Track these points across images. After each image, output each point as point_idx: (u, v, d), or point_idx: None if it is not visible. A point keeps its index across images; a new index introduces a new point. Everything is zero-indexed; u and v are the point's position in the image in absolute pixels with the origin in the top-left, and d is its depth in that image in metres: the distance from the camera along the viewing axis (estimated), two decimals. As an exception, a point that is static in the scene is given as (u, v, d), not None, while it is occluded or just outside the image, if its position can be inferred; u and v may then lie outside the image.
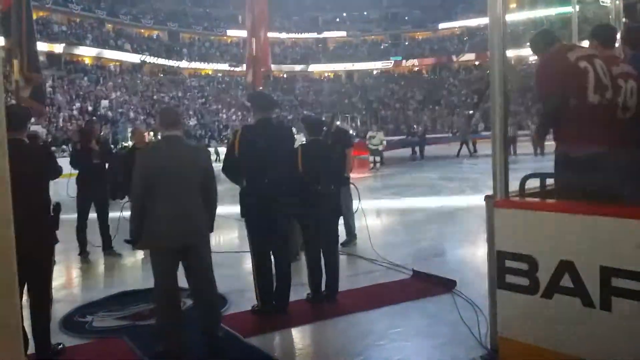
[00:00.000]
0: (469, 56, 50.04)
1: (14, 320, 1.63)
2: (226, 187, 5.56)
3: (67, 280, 6.17)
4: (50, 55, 37.92)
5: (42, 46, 34.87)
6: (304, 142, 4.97)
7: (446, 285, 4.85)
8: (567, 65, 3.03)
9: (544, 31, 3.55)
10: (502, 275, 3.00)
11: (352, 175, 6.87)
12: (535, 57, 3.48)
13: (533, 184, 3.40)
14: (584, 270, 2.65)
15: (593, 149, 2.96)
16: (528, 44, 3.60)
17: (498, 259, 3.02)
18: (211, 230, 3.83)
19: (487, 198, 3.22)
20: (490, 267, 3.17)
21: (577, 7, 5.08)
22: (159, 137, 4.05)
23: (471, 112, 38.04)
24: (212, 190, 3.80)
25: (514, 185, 3.26)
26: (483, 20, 43.95)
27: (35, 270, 3.61)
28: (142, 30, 48.49)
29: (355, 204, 6.77)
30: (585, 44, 3.56)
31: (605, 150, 2.96)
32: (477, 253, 6.08)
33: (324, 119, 7.88)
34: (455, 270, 5.22)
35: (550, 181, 3.36)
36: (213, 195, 3.81)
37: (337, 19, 56.89)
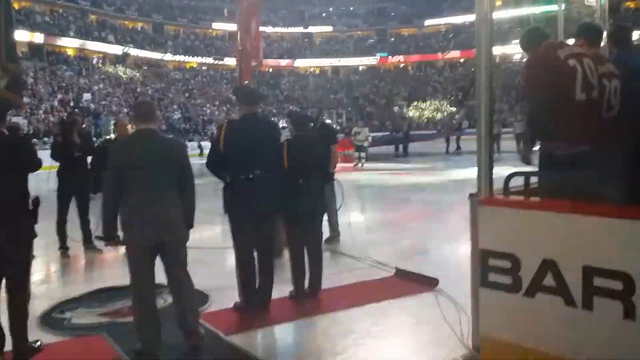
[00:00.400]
0: (454, 53, 50.25)
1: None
2: (208, 181, 5.50)
3: (46, 275, 6.07)
4: (32, 45, 37.32)
5: (23, 36, 34.38)
6: (289, 137, 4.93)
7: (429, 284, 4.85)
8: (557, 62, 3.05)
9: (533, 29, 3.55)
10: (485, 274, 2.99)
11: (336, 171, 6.84)
12: (522, 54, 3.49)
13: (517, 182, 3.40)
14: (566, 270, 2.65)
15: (578, 148, 2.97)
16: (517, 41, 3.59)
17: (481, 257, 3.01)
18: (190, 226, 3.75)
19: (471, 196, 3.21)
20: (473, 265, 3.17)
21: (563, 6, 5.08)
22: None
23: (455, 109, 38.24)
24: (188, 185, 3.71)
25: (497, 183, 3.25)
26: (469, 18, 44.21)
27: (13, 265, 3.54)
28: (126, 22, 47.94)
29: (339, 201, 6.75)
30: (571, 42, 3.56)
31: (589, 148, 2.97)
32: (461, 251, 6.10)
33: (309, 114, 7.84)
34: (439, 269, 5.23)
35: (534, 179, 3.36)
36: (190, 190, 3.71)
37: (324, 14, 56.78)
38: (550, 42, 3.34)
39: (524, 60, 3.47)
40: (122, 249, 6.69)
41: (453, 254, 6.28)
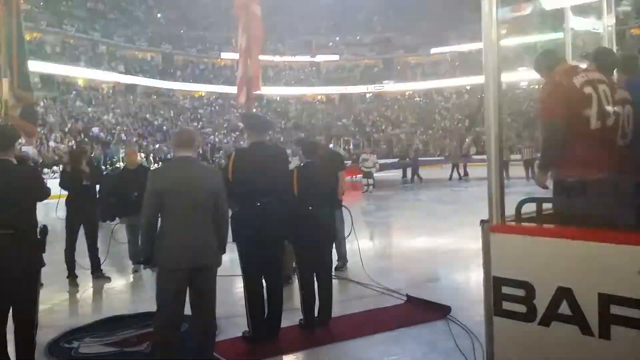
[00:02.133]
0: (461, 81, 50.54)
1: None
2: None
3: (53, 304, 6.03)
4: (43, 76, 37.91)
5: (36, 67, 34.90)
6: (299, 165, 4.94)
7: (441, 311, 4.78)
8: (573, 91, 3.04)
9: (548, 51, 3.54)
10: (498, 302, 2.94)
11: (344, 198, 6.82)
12: (529, 82, 3.48)
13: (529, 208, 3.36)
14: (582, 298, 2.60)
15: (593, 175, 2.95)
16: (524, 68, 3.60)
17: (494, 285, 2.96)
18: (223, 251, 3.77)
19: (482, 223, 3.18)
20: (486, 294, 3.11)
21: (570, 33, 5.10)
22: (163, 157, 4.02)
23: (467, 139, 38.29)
24: (223, 211, 3.76)
25: (509, 210, 3.22)
26: (475, 46, 44.60)
27: (21, 294, 3.53)
28: (136, 52, 48.69)
29: (347, 228, 6.71)
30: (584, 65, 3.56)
31: (605, 176, 2.94)
32: (472, 278, 6.02)
33: (317, 139, 7.86)
34: (450, 296, 5.16)
35: (546, 206, 3.32)
36: (224, 216, 3.78)
37: (331, 43, 57.43)
38: (565, 68, 3.32)
39: (537, 86, 3.46)
40: (130, 278, 6.76)
41: (465, 281, 6.21)
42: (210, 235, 3.64)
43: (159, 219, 3.58)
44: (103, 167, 15.56)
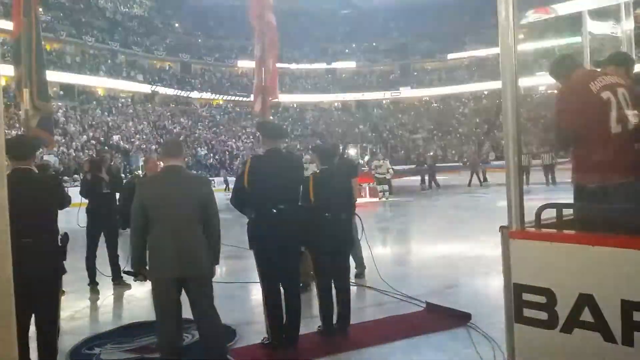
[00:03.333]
0: (478, 86, 50.26)
1: (12, 353, 1.57)
2: (235, 216, 5.52)
3: (75, 311, 6.10)
4: (63, 85, 38.53)
5: (56, 77, 35.50)
6: (315, 171, 4.95)
7: (461, 319, 4.74)
8: (589, 97, 3.00)
9: (564, 56, 3.50)
10: (519, 309, 2.91)
11: (358, 204, 6.80)
12: (547, 86, 3.45)
13: (549, 214, 3.33)
14: (604, 304, 2.56)
15: (615, 179, 2.91)
16: (542, 72, 3.57)
17: (515, 292, 2.93)
18: (216, 262, 3.77)
19: (502, 229, 3.15)
20: (507, 300, 3.08)
21: (588, 38, 5.06)
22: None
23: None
24: (213, 221, 3.75)
25: (528, 216, 3.19)
26: (492, 51, 44.34)
27: (43, 301, 3.58)
28: (155, 62, 49.28)
29: (359, 234, 6.69)
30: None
31: (627, 180, 2.90)
32: (493, 285, 5.96)
33: (334, 146, 7.85)
34: (470, 303, 5.11)
35: (567, 211, 3.28)
36: (215, 226, 3.75)
37: (347, 50, 57.56)
38: (581, 73, 3.29)
39: (555, 91, 3.43)
40: (149, 285, 6.80)
41: (485, 287, 6.16)
42: (199, 246, 3.63)
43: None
44: (123, 176, 15.73)
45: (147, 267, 3.63)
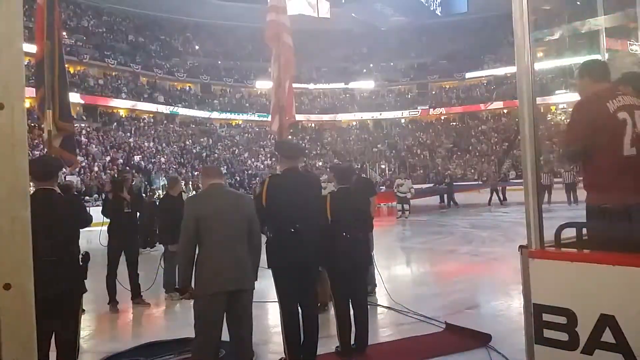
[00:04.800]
0: (497, 104, 50.02)
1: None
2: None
3: (95, 329, 6.15)
4: (86, 107, 39.27)
5: (79, 99, 36.24)
6: (333, 190, 4.96)
7: (481, 340, 4.67)
8: (606, 117, 2.95)
9: (597, 61, 3.45)
10: (539, 330, 2.86)
11: (375, 223, 6.78)
12: (567, 104, 3.41)
13: (569, 233, 3.29)
14: (626, 325, 2.51)
15: (629, 200, 2.87)
16: (560, 91, 3.54)
17: (534, 313, 2.89)
18: (256, 275, 3.84)
19: (521, 248, 3.11)
20: (527, 321, 3.04)
21: (607, 55, 5.03)
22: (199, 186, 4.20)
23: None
24: (256, 236, 3.85)
25: (548, 235, 3.15)
26: (510, 69, 44.18)
27: (63, 320, 3.61)
28: (175, 83, 50.03)
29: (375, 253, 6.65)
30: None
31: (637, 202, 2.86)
32: (513, 305, 5.88)
33: (351, 165, 7.87)
34: (490, 323, 5.04)
35: (586, 231, 3.24)
36: (257, 241, 3.86)
37: (364, 70, 57.81)
38: (601, 89, 3.24)
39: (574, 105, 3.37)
40: (169, 304, 6.83)
41: (505, 308, 6.06)
42: (247, 260, 3.72)
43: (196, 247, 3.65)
44: (144, 195, 15.91)
45: (194, 283, 3.64)
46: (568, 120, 3.28)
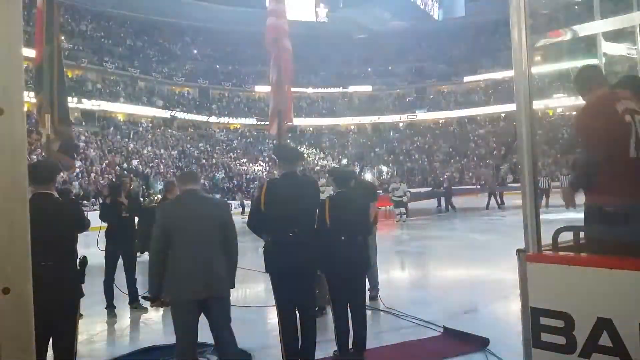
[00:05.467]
0: (495, 108, 50.12)
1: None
2: (250, 239, 5.54)
3: (92, 334, 6.13)
4: (84, 111, 39.27)
5: (77, 103, 36.26)
6: (331, 194, 4.96)
7: (479, 343, 4.68)
8: (615, 117, 2.94)
9: (589, 67, 3.46)
10: (536, 334, 2.87)
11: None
12: (564, 108, 3.42)
13: (567, 237, 3.29)
14: (623, 329, 2.52)
15: (629, 204, 2.87)
16: (558, 95, 3.54)
17: (532, 316, 2.89)
18: (232, 285, 3.82)
19: (518, 252, 3.12)
20: (524, 325, 3.04)
21: (604, 59, 5.05)
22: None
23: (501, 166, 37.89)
24: (232, 243, 3.82)
25: (546, 239, 3.16)
26: (508, 73, 44.26)
27: (61, 324, 3.60)
28: (174, 87, 50.07)
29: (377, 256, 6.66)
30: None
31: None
32: (511, 309, 5.88)
33: (351, 169, 7.88)
34: (488, 328, 5.04)
35: (584, 234, 3.25)
36: (233, 248, 3.83)
37: (363, 74, 57.94)
38: (605, 93, 3.25)
39: (574, 112, 3.37)
40: (161, 309, 6.80)
41: (503, 312, 6.07)
42: (221, 266, 3.70)
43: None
44: (141, 200, 15.90)
45: (167, 290, 3.65)
46: (574, 129, 3.27)
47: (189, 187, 3.81)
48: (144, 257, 8.37)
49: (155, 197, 21.01)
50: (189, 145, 43.36)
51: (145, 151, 38.46)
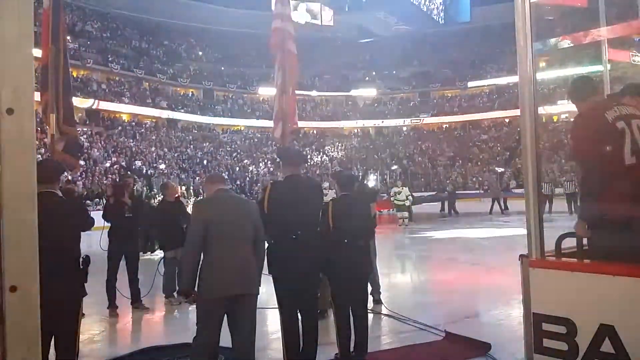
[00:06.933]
0: (499, 113, 50.05)
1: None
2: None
3: (94, 334, 6.14)
4: (89, 111, 39.36)
5: (82, 103, 36.35)
6: (335, 197, 4.97)
7: (481, 348, 4.67)
8: (605, 126, 2.92)
9: (581, 78, 3.47)
10: (539, 339, 2.87)
11: (378, 230, 6.79)
12: (569, 114, 3.42)
13: (570, 243, 3.29)
14: (625, 335, 2.52)
15: (630, 211, 2.86)
16: (562, 101, 3.55)
17: (534, 322, 2.90)
18: (259, 283, 3.87)
19: (521, 257, 3.12)
20: (526, 330, 3.04)
21: (609, 66, 5.05)
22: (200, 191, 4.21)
23: (502, 170, 37.84)
24: (261, 242, 3.89)
25: (549, 245, 3.16)
26: (512, 79, 44.24)
27: (63, 324, 3.61)
28: (178, 89, 50.15)
29: (379, 260, 6.65)
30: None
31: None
32: (513, 314, 5.87)
33: (355, 173, 7.90)
34: (490, 332, 5.04)
35: (587, 241, 3.25)
36: (263, 246, 3.91)
37: (367, 78, 57.94)
38: (598, 100, 3.27)
39: (572, 118, 3.38)
40: (169, 308, 6.82)
41: (505, 317, 6.05)
42: (252, 264, 3.76)
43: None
44: (145, 200, 15.94)
45: (199, 286, 3.65)
46: (571, 135, 3.27)
47: (220, 187, 3.89)
48: (146, 257, 8.38)
49: (155, 197, 21.00)
50: (192, 147, 43.41)
51: (148, 151, 38.52)
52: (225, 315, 3.69)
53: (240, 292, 3.65)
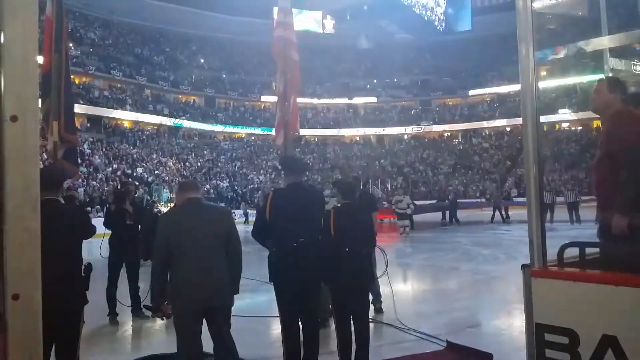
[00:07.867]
0: (500, 122, 50.14)
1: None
2: (254, 249, 5.54)
3: (94, 342, 6.12)
4: (91, 118, 39.46)
5: (84, 110, 36.45)
6: (337, 205, 4.96)
7: (482, 359, 4.64)
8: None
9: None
10: (541, 350, 2.85)
11: (378, 238, 6.77)
12: (570, 123, 3.41)
13: (572, 253, 3.28)
14: (628, 346, 2.50)
15: None
16: (564, 110, 3.54)
17: (536, 332, 2.88)
18: (236, 292, 3.81)
19: (524, 267, 3.11)
20: (528, 341, 3.02)
21: (610, 75, 5.06)
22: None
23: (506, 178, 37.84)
24: (236, 251, 3.81)
25: (551, 254, 3.15)
26: (513, 87, 44.35)
27: (64, 331, 3.60)
28: (180, 96, 50.29)
29: (380, 268, 6.63)
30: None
31: None
32: (515, 324, 5.85)
33: (354, 179, 7.88)
34: (492, 342, 5.01)
35: (589, 250, 3.23)
36: (237, 256, 3.82)
37: (368, 86, 58.11)
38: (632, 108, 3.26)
39: (579, 127, 3.36)
40: (160, 319, 6.80)
41: (507, 327, 6.03)
42: (224, 276, 3.68)
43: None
44: (147, 207, 15.93)
45: (168, 301, 3.65)
46: (606, 137, 3.23)
47: (191, 196, 3.80)
48: (147, 265, 8.37)
49: (157, 205, 20.99)
50: (193, 154, 43.47)
51: (149, 158, 38.57)
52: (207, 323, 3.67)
53: (208, 305, 3.59)
